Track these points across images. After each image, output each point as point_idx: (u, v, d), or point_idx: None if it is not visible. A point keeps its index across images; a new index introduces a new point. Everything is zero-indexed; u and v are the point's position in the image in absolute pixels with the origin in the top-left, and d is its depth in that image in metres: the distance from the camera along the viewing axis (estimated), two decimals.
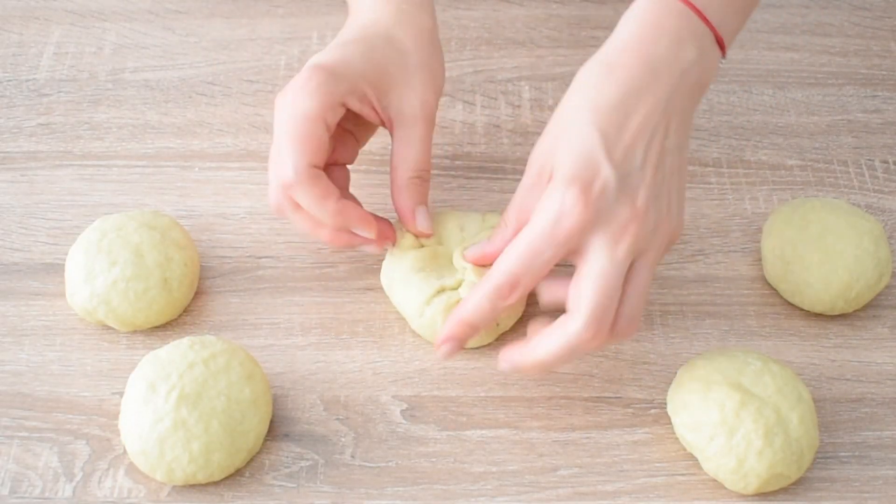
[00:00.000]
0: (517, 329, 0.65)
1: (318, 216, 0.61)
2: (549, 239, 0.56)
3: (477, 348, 0.65)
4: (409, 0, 0.67)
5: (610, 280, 0.55)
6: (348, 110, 0.63)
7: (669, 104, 0.58)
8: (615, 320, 0.57)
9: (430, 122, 0.65)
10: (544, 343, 0.57)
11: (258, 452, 0.60)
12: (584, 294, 0.55)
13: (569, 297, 0.56)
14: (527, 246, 0.56)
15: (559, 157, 0.57)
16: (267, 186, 0.74)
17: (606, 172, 0.56)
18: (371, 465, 0.60)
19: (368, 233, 0.63)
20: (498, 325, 0.65)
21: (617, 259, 0.55)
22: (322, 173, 0.61)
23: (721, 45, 0.61)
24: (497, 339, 0.65)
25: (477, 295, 0.58)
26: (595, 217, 0.55)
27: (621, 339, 0.58)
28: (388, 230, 0.64)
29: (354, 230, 0.63)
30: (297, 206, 0.62)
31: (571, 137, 0.57)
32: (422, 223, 0.64)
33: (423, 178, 0.64)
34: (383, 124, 0.66)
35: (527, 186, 0.59)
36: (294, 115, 0.61)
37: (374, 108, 0.64)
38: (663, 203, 0.58)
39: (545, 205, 0.56)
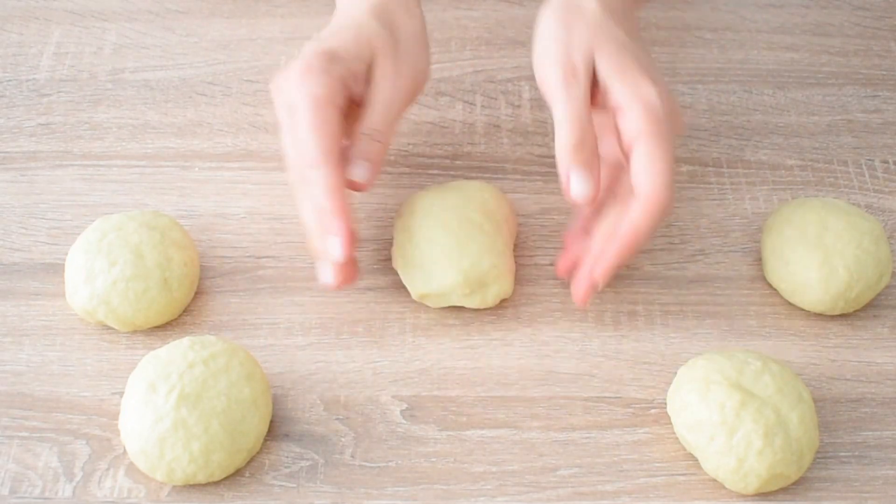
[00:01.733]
0: (511, 300, 0.66)
1: (322, 205, 0.60)
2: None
3: (476, 311, 0.66)
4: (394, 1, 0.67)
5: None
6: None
7: None
8: None
9: (401, 93, 0.65)
10: (635, 224, 0.60)
11: (258, 452, 0.60)
12: (657, 169, 0.59)
13: (639, 176, 0.59)
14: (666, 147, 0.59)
15: (604, 51, 0.61)
16: (267, 186, 0.74)
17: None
18: (371, 465, 0.60)
19: (340, 247, 0.60)
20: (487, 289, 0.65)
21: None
22: (340, 163, 0.61)
23: None
24: (496, 307, 0.66)
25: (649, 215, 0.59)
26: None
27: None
28: (352, 272, 0.62)
29: (333, 235, 0.60)
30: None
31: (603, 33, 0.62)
32: (356, 173, 0.62)
33: (373, 138, 0.63)
34: None
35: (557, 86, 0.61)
36: (310, 98, 0.60)
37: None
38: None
39: (644, 101, 0.60)
